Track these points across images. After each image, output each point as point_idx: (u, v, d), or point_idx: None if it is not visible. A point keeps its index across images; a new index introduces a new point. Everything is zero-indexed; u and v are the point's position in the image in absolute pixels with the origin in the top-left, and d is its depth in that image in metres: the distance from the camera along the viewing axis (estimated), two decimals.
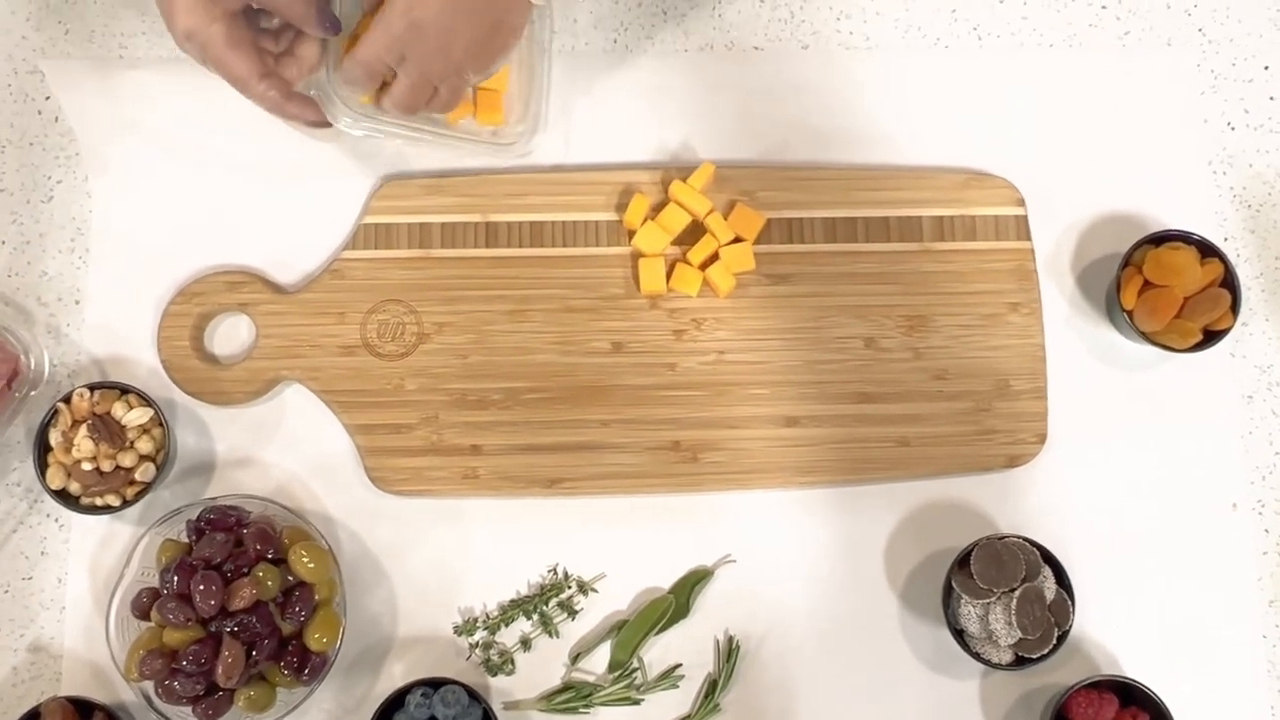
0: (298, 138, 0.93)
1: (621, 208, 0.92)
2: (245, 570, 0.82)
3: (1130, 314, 0.88)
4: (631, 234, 0.91)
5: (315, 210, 0.93)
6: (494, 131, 0.91)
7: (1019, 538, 0.85)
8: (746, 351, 0.91)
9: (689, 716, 0.86)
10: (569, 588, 0.88)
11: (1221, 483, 0.91)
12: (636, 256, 0.91)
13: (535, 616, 0.87)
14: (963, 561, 0.85)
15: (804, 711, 0.87)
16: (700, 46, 0.97)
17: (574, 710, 0.86)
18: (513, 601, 0.88)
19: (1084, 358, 0.92)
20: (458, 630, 0.87)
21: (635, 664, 0.87)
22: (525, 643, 0.87)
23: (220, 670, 0.80)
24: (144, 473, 0.85)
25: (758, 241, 0.91)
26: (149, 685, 0.82)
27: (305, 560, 0.83)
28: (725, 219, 0.91)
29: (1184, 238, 0.89)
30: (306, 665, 0.82)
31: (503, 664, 0.87)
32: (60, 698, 0.83)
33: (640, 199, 0.91)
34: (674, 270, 0.90)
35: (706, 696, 0.86)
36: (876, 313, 0.91)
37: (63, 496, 0.86)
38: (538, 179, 0.92)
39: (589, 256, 0.91)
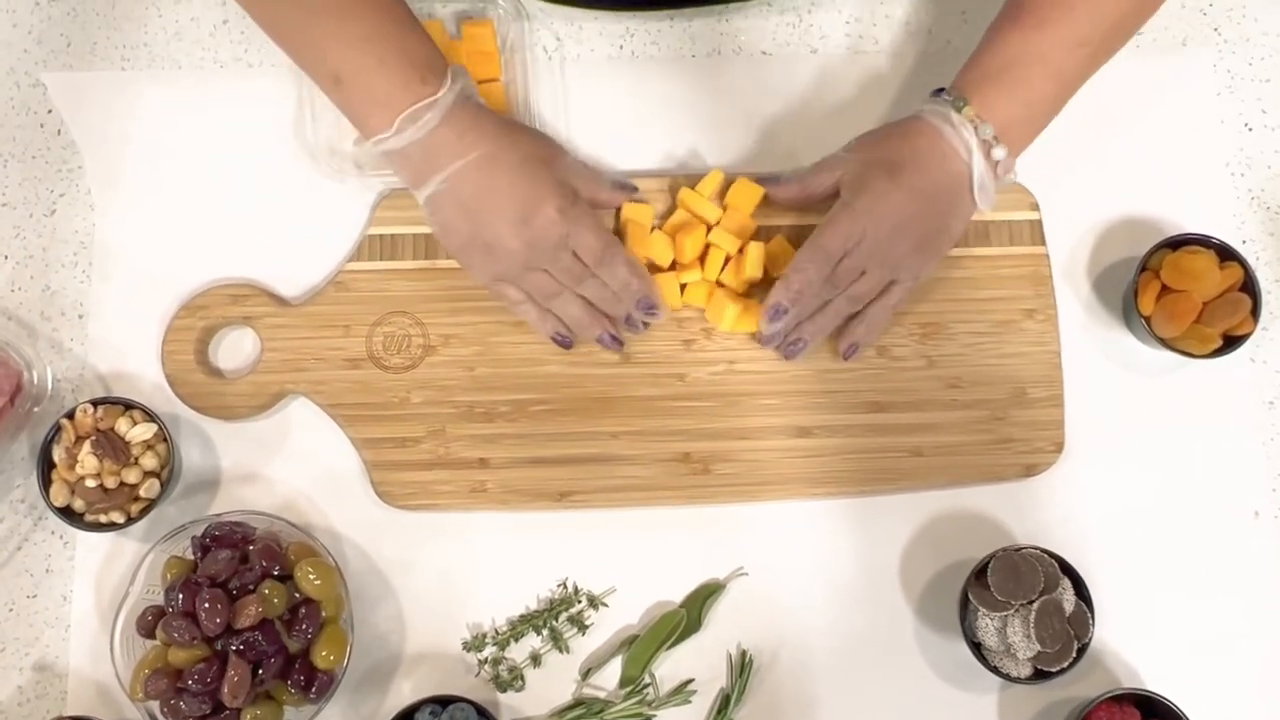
0: (301, 150, 0.92)
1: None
2: (251, 587, 0.81)
3: (1148, 320, 0.87)
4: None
5: (319, 222, 0.92)
6: None
7: (1037, 548, 0.84)
8: (757, 361, 0.89)
9: None
10: (579, 602, 0.87)
11: (1243, 490, 0.89)
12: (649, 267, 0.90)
13: (545, 632, 0.86)
14: (979, 573, 0.84)
15: None
16: (708, 52, 0.95)
17: None
18: (522, 617, 0.87)
19: (1101, 364, 0.91)
20: (466, 646, 0.86)
21: (647, 679, 0.85)
22: (535, 658, 0.86)
23: (226, 689, 0.79)
24: (148, 489, 0.85)
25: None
26: (155, 705, 0.81)
27: (312, 577, 0.82)
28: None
29: (1202, 241, 0.88)
30: (314, 683, 0.81)
31: (512, 680, 0.86)
32: (66, 718, 0.82)
33: (643, 209, 0.90)
34: (690, 285, 0.89)
35: (719, 712, 0.85)
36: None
37: (66, 513, 0.85)
38: None
39: None
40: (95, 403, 0.85)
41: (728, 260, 0.89)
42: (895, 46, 0.96)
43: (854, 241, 0.82)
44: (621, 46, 0.95)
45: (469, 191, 0.81)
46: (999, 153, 0.81)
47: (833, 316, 0.86)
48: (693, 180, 0.91)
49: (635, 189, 0.88)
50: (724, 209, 0.90)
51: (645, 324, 0.86)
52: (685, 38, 0.96)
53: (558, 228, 0.81)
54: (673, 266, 0.89)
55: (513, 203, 0.81)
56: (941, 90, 0.84)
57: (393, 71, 0.79)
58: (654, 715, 0.85)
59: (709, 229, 0.89)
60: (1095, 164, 0.94)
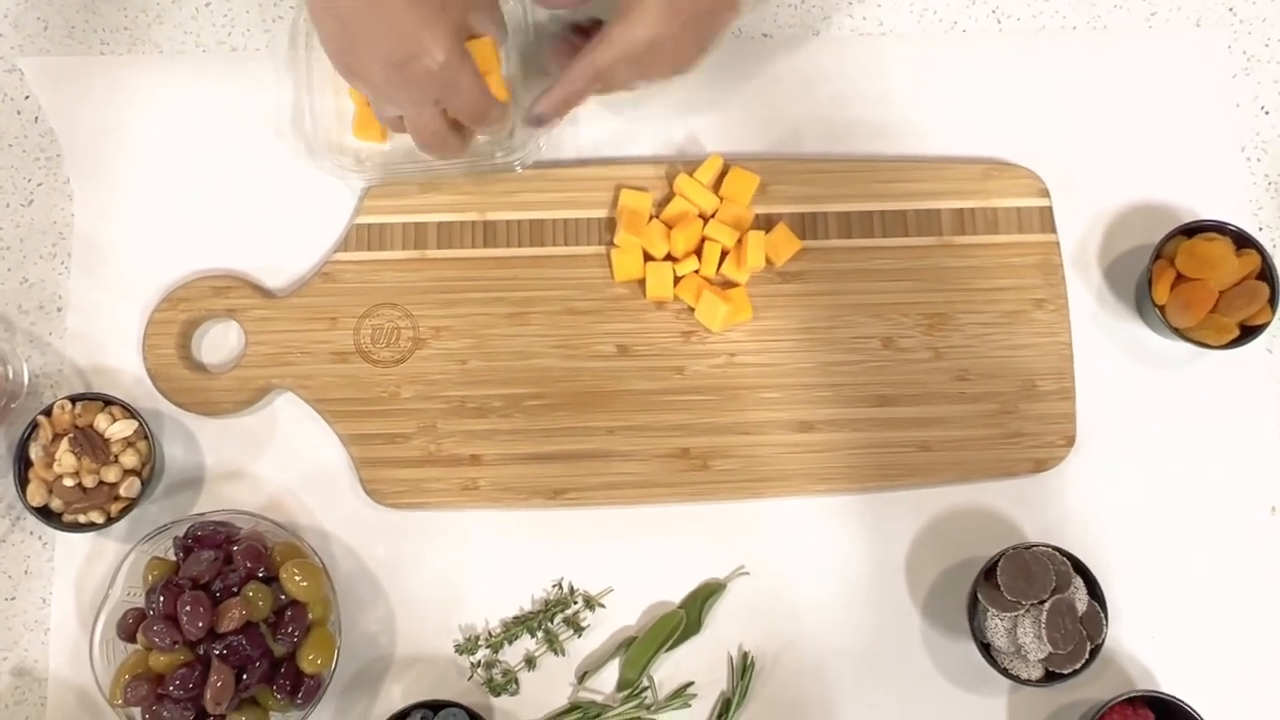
0: (285, 136, 0.90)
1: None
2: (235, 590, 0.79)
3: (1162, 309, 0.85)
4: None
5: (305, 211, 0.89)
6: (495, 145, 0.87)
7: (1048, 546, 0.82)
8: (758, 353, 0.87)
9: None
10: (575, 603, 0.85)
11: (1259, 485, 0.87)
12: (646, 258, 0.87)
13: (540, 634, 0.85)
14: (989, 572, 0.82)
15: None
16: None
17: None
18: (516, 618, 0.85)
19: (1113, 356, 0.89)
20: (459, 649, 0.84)
21: (645, 682, 0.84)
22: (530, 661, 0.84)
23: (209, 695, 0.77)
24: (129, 488, 0.82)
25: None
26: (136, 711, 0.79)
27: (298, 578, 0.80)
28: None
29: (1218, 228, 0.85)
30: (300, 688, 0.79)
31: (506, 684, 0.84)
32: None
33: (640, 196, 0.87)
34: (683, 279, 0.87)
35: (720, 716, 0.84)
36: (894, 311, 0.88)
37: (44, 513, 0.83)
38: (537, 175, 0.89)
39: (592, 256, 0.88)
40: (73, 399, 0.83)
41: (724, 255, 0.87)
42: (899, 28, 0.93)
43: (625, 73, 0.79)
44: None
45: (346, 9, 0.72)
46: None
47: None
48: (691, 166, 0.88)
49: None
50: (720, 200, 0.87)
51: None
52: None
53: (434, 83, 0.74)
54: (668, 255, 0.87)
55: (389, 40, 0.72)
56: None
57: None
58: (653, 719, 0.83)
59: (705, 221, 0.87)
60: (1107, 148, 0.91)
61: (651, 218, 0.88)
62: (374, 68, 0.74)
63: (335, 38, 0.75)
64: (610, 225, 0.88)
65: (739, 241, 0.87)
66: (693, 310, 0.87)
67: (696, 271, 0.87)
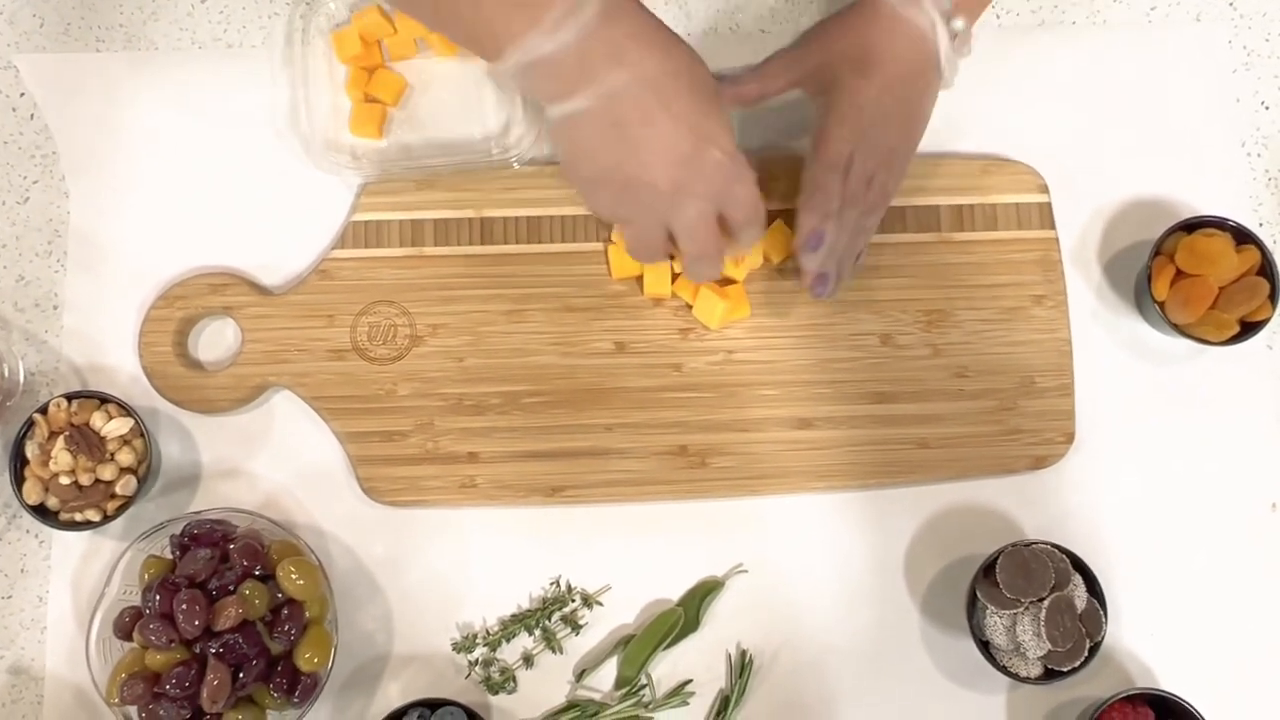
0: (282, 133, 0.90)
1: None
2: (231, 588, 0.78)
3: (1162, 305, 0.84)
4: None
5: (302, 208, 0.89)
6: (490, 139, 0.87)
7: (1047, 544, 0.82)
8: (756, 350, 0.87)
9: None
10: (573, 601, 0.85)
11: (1259, 482, 0.87)
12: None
13: (537, 632, 0.84)
14: (987, 569, 0.82)
15: None
16: (703, 30, 0.93)
17: None
18: (514, 616, 0.84)
19: (1113, 352, 0.88)
20: (456, 647, 0.84)
21: (643, 680, 0.83)
22: (527, 659, 0.84)
23: (206, 694, 0.76)
24: (125, 486, 0.82)
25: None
26: (132, 710, 0.78)
27: (294, 576, 0.79)
28: None
29: (1218, 224, 0.85)
30: (297, 687, 0.79)
31: (504, 682, 0.83)
32: None
33: None
34: (680, 275, 0.86)
35: (719, 714, 0.83)
36: (893, 308, 0.87)
37: (41, 512, 0.82)
38: (534, 172, 0.89)
39: (589, 252, 0.88)
40: (69, 397, 0.83)
41: None
42: None
43: (852, 144, 0.78)
44: None
45: (629, 113, 0.68)
46: (958, 24, 0.78)
47: (857, 234, 0.81)
48: None
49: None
50: None
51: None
52: (681, 15, 0.93)
53: (723, 175, 0.71)
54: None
55: (680, 136, 0.69)
56: None
57: None
58: (651, 717, 0.83)
59: None
60: (1106, 144, 0.91)
61: None
62: (659, 169, 0.70)
63: (612, 149, 0.70)
64: (608, 222, 0.88)
65: None
66: (690, 307, 0.87)
67: None
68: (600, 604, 0.85)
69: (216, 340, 0.88)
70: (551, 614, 0.84)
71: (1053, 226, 0.89)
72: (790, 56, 0.82)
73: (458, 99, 0.90)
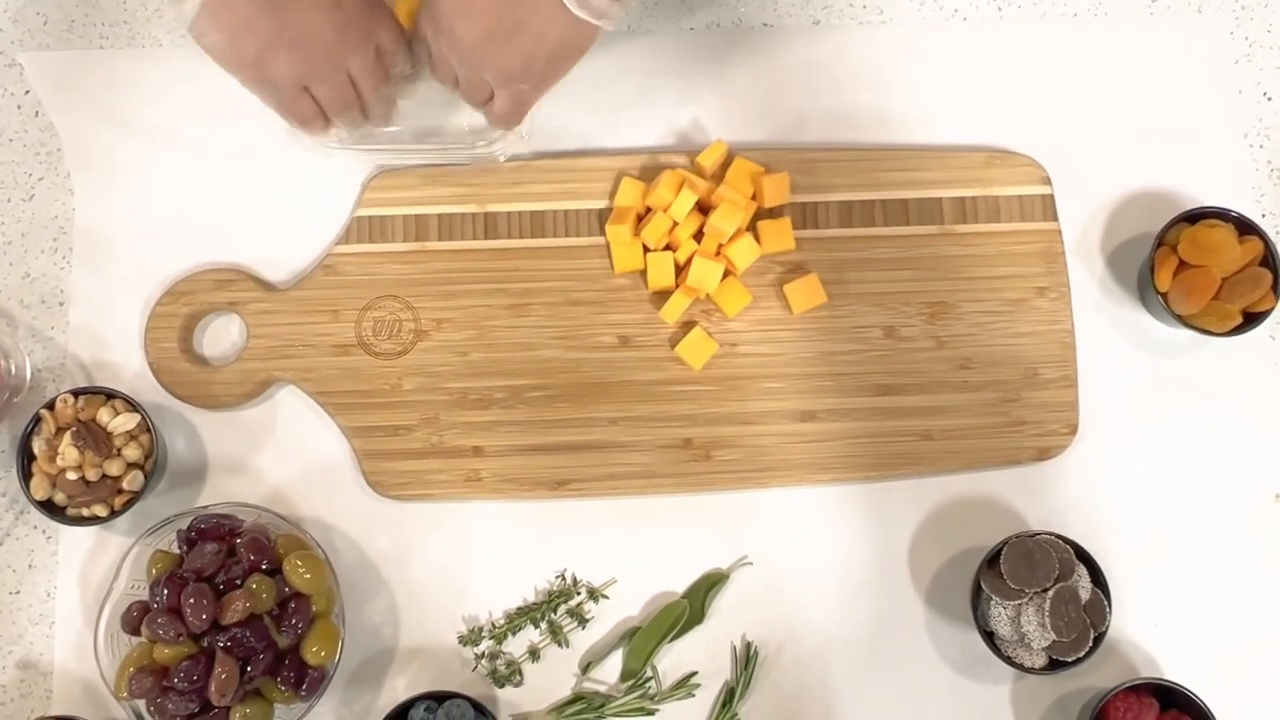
0: (287, 130, 0.89)
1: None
2: (238, 582, 0.79)
3: (1165, 296, 0.84)
4: (640, 217, 0.87)
5: (306, 204, 0.89)
6: (475, 132, 0.86)
7: (1051, 534, 0.82)
8: (760, 343, 0.87)
9: None
10: (578, 594, 0.85)
11: (1262, 472, 0.87)
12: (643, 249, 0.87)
13: (543, 625, 0.84)
14: (992, 560, 0.82)
15: None
16: (706, 24, 0.93)
17: None
18: (519, 609, 0.85)
19: (1116, 343, 0.88)
20: (462, 640, 0.84)
21: (649, 673, 0.84)
22: (533, 652, 0.84)
23: (214, 687, 0.77)
24: (132, 481, 0.82)
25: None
26: (141, 704, 0.79)
27: (301, 570, 0.80)
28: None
29: (1221, 215, 0.85)
30: (304, 680, 0.79)
31: (510, 675, 0.83)
32: (50, 717, 0.80)
33: (635, 185, 0.87)
34: (689, 265, 0.86)
35: (724, 706, 0.83)
36: (896, 300, 0.87)
37: (48, 507, 0.83)
38: (537, 166, 0.89)
39: (593, 246, 0.88)
40: (76, 393, 0.83)
41: (719, 249, 0.86)
42: (899, 16, 0.93)
43: (446, 57, 0.78)
44: None
45: None
46: None
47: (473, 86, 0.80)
48: (693, 155, 0.88)
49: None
50: (715, 186, 0.87)
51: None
52: (683, 9, 0.93)
53: (368, 11, 0.75)
54: (668, 245, 0.87)
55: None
56: None
57: None
58: (656, 709, 0.83)
59: (673, 226, 0.86)
60: (1108, 135, 0.91)
61: (649, 210, 0.87)
62: (315, 17, 0.73)
63: (268, 15, 0.73)
64: (613, 216, 0.88)
65: (739, 231, 0.86)
66: (694, 301, 0.86)
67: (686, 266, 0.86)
68: (606, 597, 0.85)
69: (222, 336, 0.88)
70: (557, 607, 0.84)
71: (1055, 218, 0.89)
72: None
73: (443, 90, 0.89)
